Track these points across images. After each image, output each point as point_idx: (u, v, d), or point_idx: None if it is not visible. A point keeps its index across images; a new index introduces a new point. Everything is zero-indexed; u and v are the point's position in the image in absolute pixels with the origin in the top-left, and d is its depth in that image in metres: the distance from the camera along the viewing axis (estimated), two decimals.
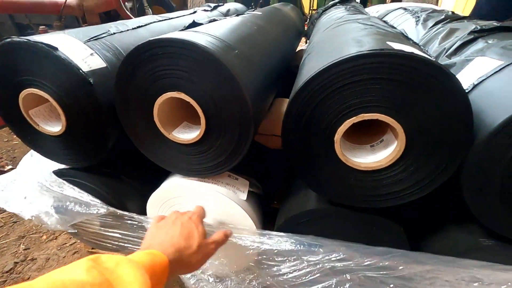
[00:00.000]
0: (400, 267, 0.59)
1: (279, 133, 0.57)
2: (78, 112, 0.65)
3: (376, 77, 0.46)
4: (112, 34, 0.75)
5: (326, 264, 0.63)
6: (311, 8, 3.39)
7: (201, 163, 0.66)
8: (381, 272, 0.61)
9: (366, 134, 0.62)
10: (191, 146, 0.64)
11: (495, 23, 0.69)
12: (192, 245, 0.52)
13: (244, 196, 0.73)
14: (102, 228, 0.83)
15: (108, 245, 0.88)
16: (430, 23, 0.98)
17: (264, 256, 0.67)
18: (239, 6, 1.88)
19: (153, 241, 0.52)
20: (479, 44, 0.64)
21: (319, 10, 1.57)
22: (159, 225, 0.57)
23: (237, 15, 1.38)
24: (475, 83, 0.53)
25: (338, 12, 1.24)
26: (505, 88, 0.49)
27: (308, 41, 1.60)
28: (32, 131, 0.72)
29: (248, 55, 0.64)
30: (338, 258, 0.62)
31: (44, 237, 1.18)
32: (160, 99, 0.59)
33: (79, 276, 0.33)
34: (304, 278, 0.65)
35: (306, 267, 0.64)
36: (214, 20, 0.81)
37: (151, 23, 0.95)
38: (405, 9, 1.38)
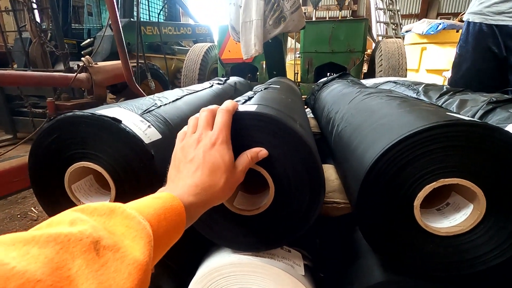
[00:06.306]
0: None
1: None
2: (131, 185, 0.62)
3: (453, 145, 0.50)
4: (159, 107, 0.77)
5: None
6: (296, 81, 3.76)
7: (262, 235, 0.62)
8: None
9: (428, 198, 0.63)
10: (254, 217, 0.61)
11: (505, 96, 0.80)
12: (218, 182, 0.45)
13: (301, 270, 0.67)
14: None
15: None
16: (433, 94, 1.10)
17: None
18: (240, 79, 2.04)
19: (172, 183, 0.45)
20: (502, 113, 0.73)
21: (319, 83, 1.73)
22: (181, 156, 0.48)
23: (250, 88, 1.49)
24: None
25: (342, 85, 1.38)
26: None
27: (311, 109, 1.73)
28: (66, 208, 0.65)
29: (304, 126, 0.67)
30: None
31: None
32: None
33: (59, 230, 0.25)
34: None
35: None
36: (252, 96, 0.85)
37: (183, 96, 0.99)
38: (395, 82, 1.55)
